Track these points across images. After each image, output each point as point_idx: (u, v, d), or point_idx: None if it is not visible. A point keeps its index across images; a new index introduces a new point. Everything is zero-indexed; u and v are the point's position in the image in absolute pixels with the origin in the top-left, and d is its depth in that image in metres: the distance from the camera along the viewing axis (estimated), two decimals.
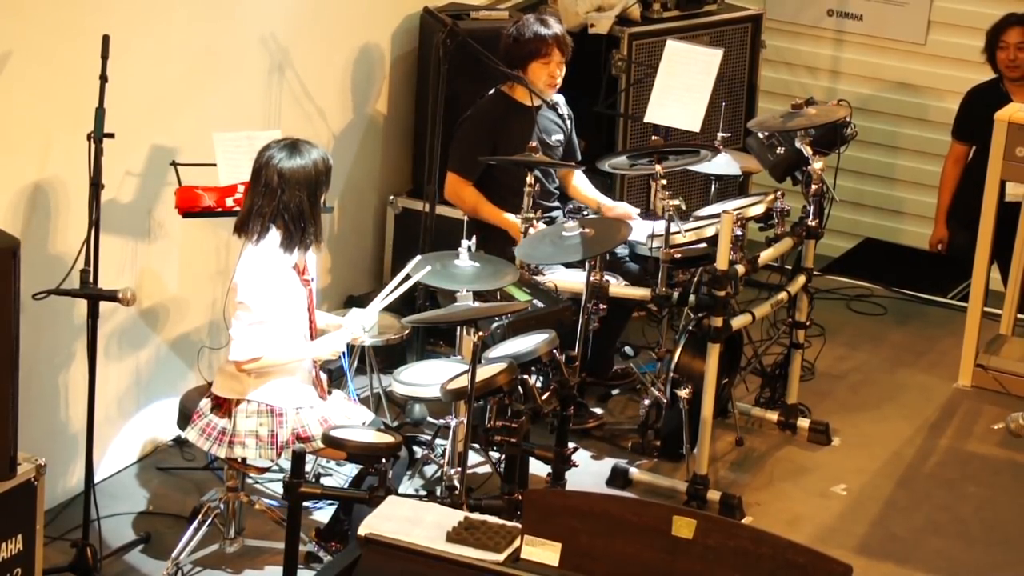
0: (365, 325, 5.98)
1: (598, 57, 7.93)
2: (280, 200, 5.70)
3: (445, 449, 6.22)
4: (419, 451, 6.58)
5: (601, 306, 6.37)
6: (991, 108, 7.71)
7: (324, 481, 6.39)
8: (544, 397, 5.91)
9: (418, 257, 6.04)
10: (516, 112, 7.00)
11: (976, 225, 7.57)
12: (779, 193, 6.80)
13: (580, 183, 7.22)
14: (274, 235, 5.73)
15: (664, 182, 6.52)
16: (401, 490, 5.76)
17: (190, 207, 6.22)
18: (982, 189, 7.48)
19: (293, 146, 5.75)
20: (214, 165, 6.26)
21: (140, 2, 6.29)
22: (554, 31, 6.98)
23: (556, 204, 7.13)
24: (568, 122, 7.19)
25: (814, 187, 6.79)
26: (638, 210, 7.11)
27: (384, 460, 5.38)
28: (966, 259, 7.89)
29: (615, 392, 7.31)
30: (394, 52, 7.74)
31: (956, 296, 8.37)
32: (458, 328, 6.65)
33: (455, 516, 4.64)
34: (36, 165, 6.00)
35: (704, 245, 6.49)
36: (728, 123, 7.36)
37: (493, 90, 7.10)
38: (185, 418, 5.97)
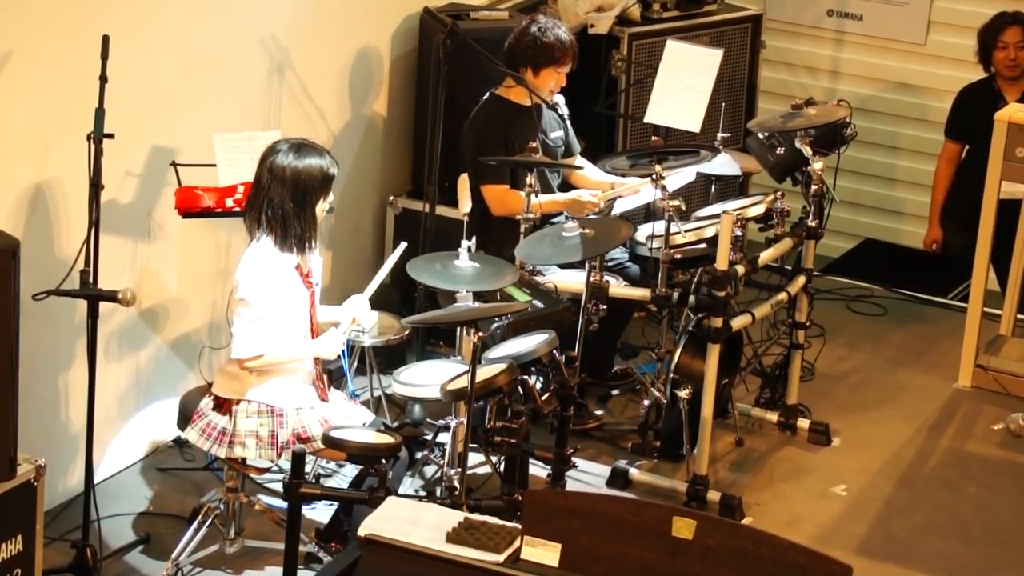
0: (363, 308, 6.01)
1: (598, 57, 7.94)
2: (265, 196, 5.70)
3: (445, 449, 6.22)
4: (419, 452, 6.58)
5: (601, 307, 6.38)
6: (984, 107, 7.73)
7: (324, 482, 6.40)
8: (544, 398, 5.91)
9: (403, 243, 6.08)
10: (519, 114, 7.00)
11: (970, 224, 7.57)
12: (779, 193, 6.80)
13: (588, 172, 7.22)
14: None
15: (664, 182, 6.52)
16: (401, 491, 5.76)
17: (190, 207, 6.22)
18: (976, 188, 7.49)
19: (297, 147, 5.75)
20: (214, 165, 6.26)
21: (140, 2, 6.29)
22: (571, 39, 6.98)
23: None
24: (566, 120, 7.19)
25: (814, 187, 6.79)
26: (646, 180, 7.03)
27: (384, 461, 5.38)
28: (960, 258, 7.90)
29: (615, 393, 7.31)
30: (394, 52, 7.75)
31: (956, 296, 8.37)
32: (458, 329, 6.65)
33: (455, 517, 4.64)
34: (36, 165, 6.00)
35: (704, 245, 6.49)
36: (728, 123, 7.36)
37: (488, 95, 7.08)
38: (185, 418, 5.96)
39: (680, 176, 7.00)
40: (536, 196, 6.54)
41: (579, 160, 7.24)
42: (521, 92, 6.98)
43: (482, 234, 6.82)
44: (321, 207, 5.78)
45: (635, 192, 7.02)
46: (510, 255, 6.47)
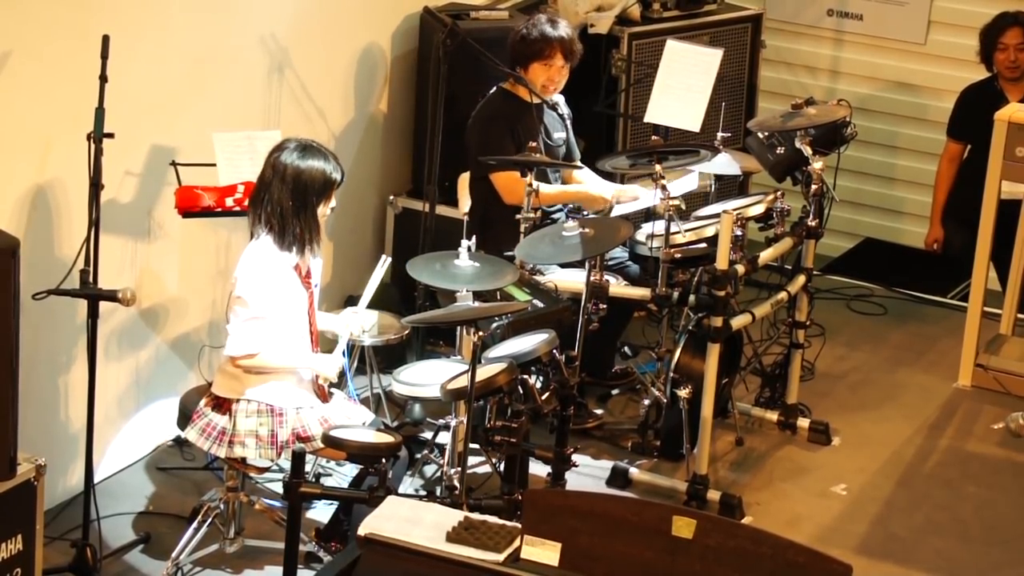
0: (363, 325, 5.99)
1: (598, 57, 7.93)
2: (267, 193, 5.71)
3: (445, 449, 6.22)
4: (419, 451, 6.58)
5: (601, 306, 6.37)
6: (986, 107, 7.72)
7: (324, 481, 6.40)
8: (544, 397, 5.91)
9: (384, 256, 6.08)
10: (525, 109, 6.99)
11: (972, 224, 7.57)
12: (779, 193, 6.80)
13: (586, 178, 7.21)
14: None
15: (664, 182, 6.52)
16: (401, 490, 5.76)
17: (190, 207, 6.22)
18: (977, 188, 7.49)
19: (304, 148, 5.75)
20: (214, 165, 6.27)
21: (140, 2, 6.29)
22: (560, 34, 6.96)
23: (559, 206, 7.13)
24: (567, 121, 7.20)
25: (814, 187, 6.79)
26: (645, 188, 7.05)
27: (384, 460, 5.38)
28: (962, 258, 7.90)
29: (615, 392, 7.31)
30: (394, 52, 7.75)
31: (956, 296, 8.37)
32: (458, 328, 6.65)
33: (455, 516, 4.64)
34: (36, 165, 6.01)
35: (704, 245, 6.49)
36: (728, 123, 7.35)
37: (495, 88, 7.09)
38: (185, 418, 5.97)
39: (683, 183, 7.00)
40: (536, 196, 6.54)
41: (578, 164, 7.24)
42: (526, 89, 6.98)
43: (481, 232, 6.81)
44: (322, 210, 5.77)
45: (633, 199, 7.04)
46: (510, 254, 6.47)
